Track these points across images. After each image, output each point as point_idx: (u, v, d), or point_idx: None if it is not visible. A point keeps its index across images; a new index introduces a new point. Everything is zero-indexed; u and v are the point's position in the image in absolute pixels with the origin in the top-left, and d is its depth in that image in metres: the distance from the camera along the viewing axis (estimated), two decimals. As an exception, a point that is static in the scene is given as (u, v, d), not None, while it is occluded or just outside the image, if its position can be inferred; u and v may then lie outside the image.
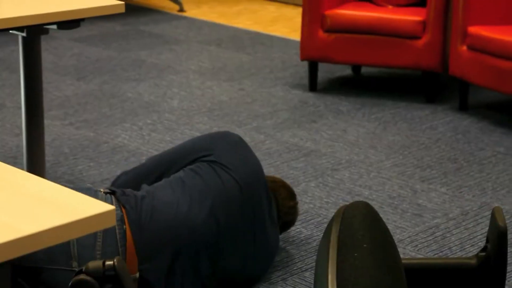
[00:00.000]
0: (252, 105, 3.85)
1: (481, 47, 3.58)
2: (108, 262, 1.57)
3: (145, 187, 2.20)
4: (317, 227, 2.69)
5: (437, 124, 3.64)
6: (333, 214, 2.74)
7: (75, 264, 1.97)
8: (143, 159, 3.06)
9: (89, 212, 1.20)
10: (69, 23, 2.40)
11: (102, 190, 2.13)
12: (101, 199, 2.07)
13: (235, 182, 2.19)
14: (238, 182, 2.19)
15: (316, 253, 2.47)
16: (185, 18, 5.46)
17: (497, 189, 3.02)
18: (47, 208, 1.21)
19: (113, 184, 2.39)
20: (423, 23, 3.80)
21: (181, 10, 5.63)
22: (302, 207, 2.82)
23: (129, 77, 4.22)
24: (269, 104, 3.87)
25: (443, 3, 3.77)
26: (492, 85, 3.58)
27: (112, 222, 1.22)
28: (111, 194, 2.12)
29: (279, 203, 2.38)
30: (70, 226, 1.17)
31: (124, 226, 2.05)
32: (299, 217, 2.67)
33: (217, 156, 2.23)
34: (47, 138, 3.36)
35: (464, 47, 3.67)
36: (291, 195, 2.44)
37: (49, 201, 1.23)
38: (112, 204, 2.07)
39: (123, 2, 2.48)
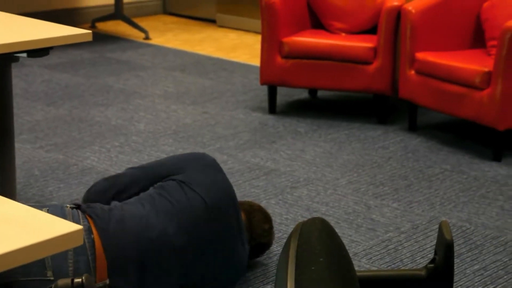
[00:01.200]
0: (215, 127, 3.85)
1: (427, 72, 3.62)
2: (77, 280, 1.55)
3: (114, 202, 2.20)
4: (277, 242, 2.68)
5: (389, 144, 3.66)
6: (292, 229, 2.74)
7: (50, 273, 1.95)
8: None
9: (58, 232, 1.19)
10: (39, 51, 2.38)
11: (68, 205, 2.12)
12: (68, 214, 2.06)
13: (202, 200, 2.19)
14: (205, 201, 2.19)
15: (276, 267, 2.46)
16: (151, 45, 5.45)
17: (445, 204, 3.04)
18: (17, 229, 1.19)
19: (86, 193, 2.36)
20: (374, 50, 3.84)
21: (147, 38, 5.62)
22: (262, 223, 2.82)
23: (97, 102, 4.19)
24: (231, 126, 3.87)
25: (392, 31, 3.80)
26: (439, 107, 3.62)
27: (79, 241, 1.20)
28: (76, 209, 2.12)
29: (254, 225, 2.40)
30: (39, 245, 1.15)
31: (92, 235, 2.04)
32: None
33: (187, 175, 2.24)
34: (18, 161, 3.32)
35: (412, 72, 3.71)
36: (266, 218, 2.44)
37: (18, 222, 1.22)
38: (78, 217, 2.07)
39: (90, 31, 2.47)
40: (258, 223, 2.40)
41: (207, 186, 2.22)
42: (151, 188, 2.25)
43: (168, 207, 2.16)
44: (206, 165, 2.29)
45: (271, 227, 2.45)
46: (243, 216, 2.37)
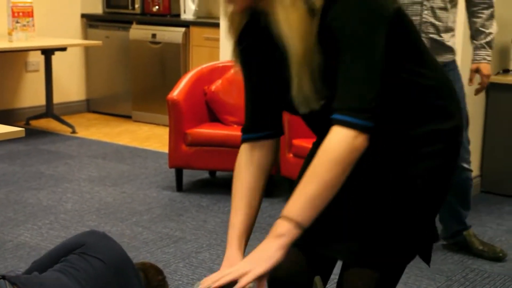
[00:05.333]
0: (132, 204, 3.79)
1: (302, 154, 3.66)
2: None
3: (34, 273, 2.14)
4: (185, 299, 2.64)
5: (275, 213, 3.69)
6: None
7: None
8: (42, 253, 2.93)
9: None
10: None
11: None
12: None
13: (103, 264, 2.15)
14: (106, 264, 2.15)
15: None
16: (77, 138, 5.37)
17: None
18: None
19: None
20: (260, 137, 3.89)
21: (74, 132, 5.54)
22: (172, 284, 2.77)
23: (31, 186, 4.07)
24: (145, 203, 3.82)
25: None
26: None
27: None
28: (2, 279, 2.04)
29: (150, 279, 2.36)
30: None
31: None
32: (170, 292, 2.62)
33: (87, 247, 2.19)
34: (-39, 239, 3.17)
35: (291, 155, 3.78)
36: (158, 271, 2.42)
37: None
38: (5, 285, 1.99)
39: (23, 129, 2.42)
40: (153, 277, 2.37)
41: (105, 252, 2.18)
42: (59, 263, 2.19)
43: (77, 273, 2.11)
44: (100, 236, 2.26)
45: (164, 277, 2.42)
46: (141, 274, 2.34)
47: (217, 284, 1.38)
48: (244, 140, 1.65)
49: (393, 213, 1.51)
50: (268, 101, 1.59)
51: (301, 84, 1.41)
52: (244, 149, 1.65)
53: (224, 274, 1.40)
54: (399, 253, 1.53)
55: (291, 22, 1.38)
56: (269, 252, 1.37)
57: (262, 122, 1.62)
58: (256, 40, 1.52)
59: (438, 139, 1.50)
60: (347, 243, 1.54)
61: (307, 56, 1.39)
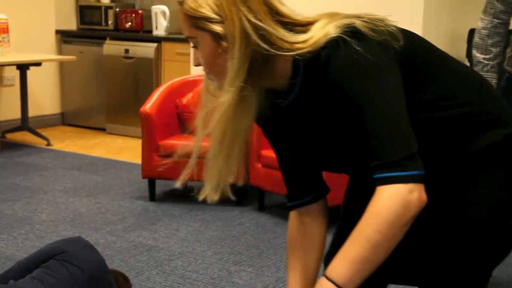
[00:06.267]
0: (106, 214, 3.74)
1: (271, 164, 3.68)
2: None
3: (11, 281, 2.08)
4: (158, 306, 2.60)
5: (244, 221, 3.68)
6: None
7: None
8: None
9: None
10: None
11: None
12: None
13: (82, 273, 2.11)
14: (84, 273, 2.12)
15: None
16: (52, 150, 5.28)
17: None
18: None
19: None
20: (230, 148, 3.88)
21: (49, 144, 5.45)
22: (146, 291, 2.73)
23: (6, 198, 3.98)
24: (119, 213, 3.77)
25: (243, 134, 3.86)
26: (280, 191, 3.68)
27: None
28: None
29: (119, 286, 2.34)
30: None
31: None
32: (143, 299, 2.58)
33: (67, 254, 2.16)
34: None
35: (259, 165, 3.78)
36: (126, 279, 2.41)
37: None
38: None
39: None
40: (123, 285, 2.36)
41: (85, 261, 2.16)
42: (38, 269, 2.15)
43: (54, 281, 2.07)
44: (83, 245, 2.23)
45: (130, 285, 2.41)
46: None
47: None
48: (291, 207, 1.57)
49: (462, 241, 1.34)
50: (301, 165, 1.50)
51: None
52: (293, 216, 1.58)
53: None
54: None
55: None
56: None
57: (302, 187, 1.53)
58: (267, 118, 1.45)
59: (492, 153, 1.33)
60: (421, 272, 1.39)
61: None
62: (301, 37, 1.28)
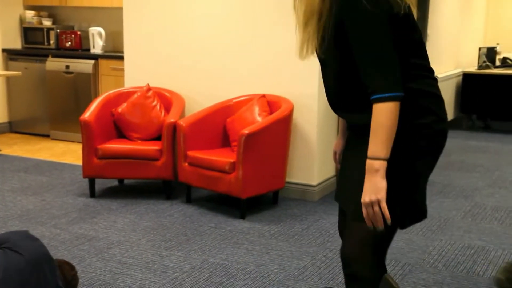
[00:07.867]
0: (51, 210, 3.68)
1: (196, 163, 3.73)
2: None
3: None
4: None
5: (174, 212, 3.71)
6: (109, 279, 2.69)
7: None
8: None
9: None
10: None
11: None
12: None
13: (24, 259, 2.08)
14: (26, 259, 2.09)
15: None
16: (1, 155, 5.12)
17: (211, 249, 3.12)
18: None
19: None
20: (160, 150, 3.91)
21: (-3, 150, 5.27)
22: (87, 275, 2.73)
23: (-42, 198, 3.84)
24: (62, 208, 3.72)
25: (171, 137, 3.89)
26: (204, 186, 3.73)
27: None
28: None
29: (65, 274, 2.31)
30: None
31: None
32: (87, 282, 2.58)
33: (11, 243, 2.13)
34: None
35: (186, 164, 3.81)
36: (71, 267, 2.37)
37: None
38: None
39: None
40: (68, 272, 2.33)
41: (27, 248, 2.12)
42: None
43: None
44: (25, 235, 2.20)
45: (76, 272, 2.38)
46: (58, 270, 2.28)
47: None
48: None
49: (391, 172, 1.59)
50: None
51: None
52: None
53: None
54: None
55: None
56: (378, 183, 1.55)
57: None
58: None
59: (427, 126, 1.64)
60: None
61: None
62: None
